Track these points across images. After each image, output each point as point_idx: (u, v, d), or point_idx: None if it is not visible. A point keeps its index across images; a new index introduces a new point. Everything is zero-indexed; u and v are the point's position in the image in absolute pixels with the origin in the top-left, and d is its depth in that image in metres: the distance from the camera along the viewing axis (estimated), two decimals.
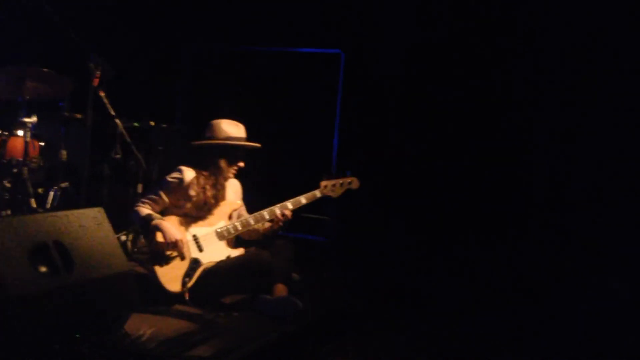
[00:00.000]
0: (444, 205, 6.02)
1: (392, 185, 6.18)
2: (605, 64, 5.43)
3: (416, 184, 6.11)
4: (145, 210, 4.00)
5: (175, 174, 4.08)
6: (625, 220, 5.37)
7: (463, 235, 5.88)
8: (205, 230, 4.10)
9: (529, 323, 4.40)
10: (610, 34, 5.40)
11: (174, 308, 3.77)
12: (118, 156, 5.04)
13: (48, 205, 5.07)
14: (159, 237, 3.89)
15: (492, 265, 5.52)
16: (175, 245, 3.87)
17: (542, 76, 5.73)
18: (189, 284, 3.89)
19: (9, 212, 4.66)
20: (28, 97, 4.70)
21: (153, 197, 4.05)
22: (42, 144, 4.99)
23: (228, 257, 4.08)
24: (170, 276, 3.88)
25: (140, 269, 4.39)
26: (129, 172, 5.20)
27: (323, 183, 4.34)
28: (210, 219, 4.15)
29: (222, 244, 4.13)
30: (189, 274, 3.92)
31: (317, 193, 4.33)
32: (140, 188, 5.10)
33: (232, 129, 4.14)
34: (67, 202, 5.14)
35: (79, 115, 5.11)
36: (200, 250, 4.02)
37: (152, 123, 5.47)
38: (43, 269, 2.82)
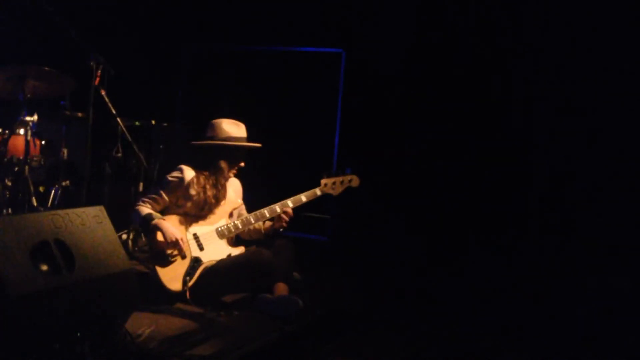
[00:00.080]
0: (444, 204, 6.02)
1: (392, 185, 6.18)
2: (606, 63, 5.43)
3: (416, 183, 6.11)
4: (145, 209, 4.01)
5: (176, 173, 4.09)
6: (625, 220, 5.37)
7: (463, 234, 5.88)
8: (206, 229, 4.11)
9: (529, 323, 4.40)
10: (610, 33, 5.40)
11: (174, 307, 3.78)
12: (119, 155, 5.05)
13: (49, 204, 5.08)
14: (159, 237, 3.90)
15: (492, 265, 5.53)
16: (175, 244, 3.88)
17: (542, 76, 5.72)
18: (190, 283, 3.90)
19: (10, 210, 4.66)
20: (29, 96, 4.69)
21: (154, 196, 4.07)
22: (43, 142, 4.98)
23: (229, 256, 4.09)
24: (171, 275, 3.89)
25: (141, 268, 4.40)
26: (130, 171, 5.20)
27: (323, 181, 4.35)
28: (211, 217, 4.16)
29: (223, 243, 4.14)
30: (189, 272, 3.92)
31: (318, 191, 4.33)
32: (141, 187, 5.11)
33: (232, 129, 4.14)
34: (68, 200, 5.14)
35: (80, 114, 5.10)
36: (201, 249, 4.02)
37: (153, 122, 5.47)
38: (44, 267, 2.82)
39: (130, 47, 6.34)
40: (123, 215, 4.04)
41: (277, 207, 4.20)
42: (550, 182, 5.74)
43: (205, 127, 4.21)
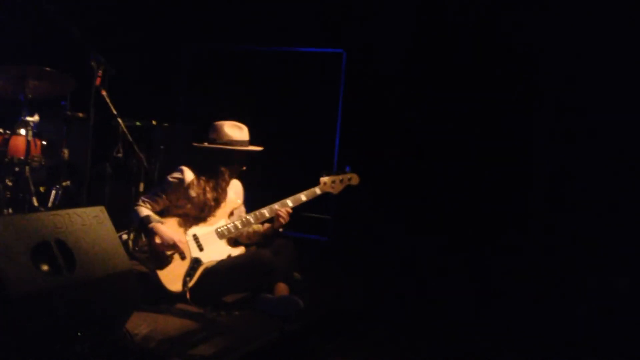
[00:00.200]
0: (444, 204, 6.02)
1: (392, 185, 6.18)
2: (606, 63, 5.43)
3: (417, 183, 6.11)
4: (144, 211, 4.00)
5: (177, 174, 4.10)
6: (625, 220, 5.37)
7: (463, 234, 5.88)
8: (206, 229, 4.11)
9: (529, 323, 4.41)
10: (610, 33, 5.40)
11: (175, 307, 3.79)
12: (120, 155, 5.04)
13: (50, 204, 5.08)
14: (156, 240, 3.91)
15: (492, 264, 5.53)
16: (172, 247, 3.88)
17: (543, 75, 5.72)
18: (190, 284, 3.90)
19: (10, 210, 4.66)
20: (30, 96, 4.70)
21: (154, 196, 4.08)
22: (44, 142, 4.98)
23: (229, 256, 4.09)
24: (171, 276, 3.89)
25: (142, 268, 4.40)
26: (131, 171, 5.20)
27: (323, 180, 4.34)
28: (211, 218, 4.16)
29: (223, 243, 4.14)
30: (189, 273, 3.92)
31: (317, 190, 4.33)
32: (141, 187, 5.11)
33: (234, 132, 4.13)
34: (68, 200, 5.15)
35: (81, 114, 5.11)
36: (201, 249, 4.02)
37: (154, 122, 5.47)
38: (45, 267, 2.82)
39: (131, 47, 6.34)
40: (123, 216, 4.04)
41: (277, 207, 4.20)
42: (550, 182, 5.74)
43: (208, 128, 4.21)
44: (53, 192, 5.15)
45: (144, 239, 4.85)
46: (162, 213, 4.11)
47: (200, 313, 3.73)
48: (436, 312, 4.50)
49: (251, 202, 4.39)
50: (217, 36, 6.90)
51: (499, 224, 5.79)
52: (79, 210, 3.14)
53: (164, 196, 4.06)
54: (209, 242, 4.08)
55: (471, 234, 5.85)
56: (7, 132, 4.73)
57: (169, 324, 3.51)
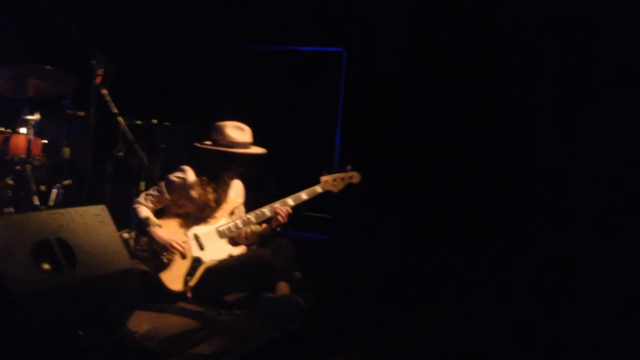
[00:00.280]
0: (445, 204, 6.02)
1: (393, 184, 6.18)
2: (606, 62, 5.43)
3: (418, 182, 6.11)
4: (143, 211, 3.98)
5: (179, 174, 4.08)
6: (625, 219, 5.38)
7: (464, 234, 5.88)
8: (206, 228, 4.11)
9: (529, 323, 4.41)
10: (611, 32, 5.40)
11: (176, 306, 3.79)
12: (121, 154, 5.04)
13: (51, 203, 5.08)
14: (156, 245, 3.90)
15: (492, 264, 5.53)
16: (172, 251, 3.87)
17: (544, 75, 5.72)
18: (191, 283, 3.90)
19: (12, 209, 4.66)
20: (31, 95, 4.70)
21: (155, 194, 4.06)
22: (45, 141, 4.99)
23: (230, 256, 4.09)
24: (172, 275, 3.89)
25: (143, 267, 4.39)
26: (132, 170, 5.20)
27: (324, 178, 4.34)
28: (212, 217, 4.16)
29: (224, 242, 4.14)
30: (190, 272, 3.93)
31: (318, 188, 4.32)
32: (142, 186, 5.11)
33: (236, 134, 4.10)
34: (69, 199, 5.14)
35: (81, 113, 5.11)
36: (202, 248, 4.02)
37: (155, 121, 5.48)
38: (46, 266, 2.82)
39: (132, 45, 6.35)
40: (125, 214, 4.03)
41: (278, 206, 4.20)
42: (550, 182, 5.75)
43: (209, 128, 4.20)
44: (54, 191, 5.15)
45: (145, 238, 4.86)
46: (162, 212, 4.11)
47: (201, 312, 3.73)
48: (436, 312, 4.50)
49: (252, 201, 4.39)
50: (217, 35, 6.90)
51: (499, 224, 5.79)
52: (80, 209, 3.14)
53: (165, 195, 4.06)
54: (210, 242, 4.08)
55: (471, 234, 5.85)
56: (8, 130, 4.74)
57: (170, 322, 3.51)
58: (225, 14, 6.77)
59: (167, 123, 5.60)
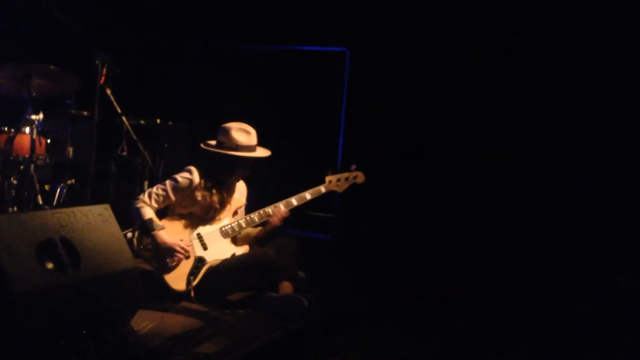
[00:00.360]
0: (447, 204, 6.02)
1: (396, 184, 6.18)
2: (607, 62, 5.43)
3: (420, 182, 6.11)
4: (147, 212, 3.95)
5: (185, 174, 4.05)
6: (625, 219, 5.37)
7: (465, 234, 5.88)
8: (210, 228, 4.11)
9: (529, 323, 4.40)
10: (611, 32, 5.40)
11: (179, 305, 3.79)
12: (124, 153, 5.05)
13: (54, 202, 5.09)
14: (160, 248, 3.89)
15: (493, 264, 5.52)
16: (175, 253, 3.87)
17: (545, 75, 5.72)
18: (194, 283, 3.90)
19: (15, 209, 4.67)
20: (35, 94, 4.70)
21: (160, 193, 4.02)
22: (49, 141, 4.99)
23: (233, 255, 4.09)
24: (176, 275, 3.89)
25: (146, 266, 4.41)
26: (135, 170, 5.21)
27: (328, 178, 4.34)
28: (215, 218, 4.15)
29: (227, 242, 4.14)
30: (194, 272, 3.92)
31: (322, 188, 4.32)
32: (146, 185, 5.13)
33: (241, 137, 4.07)
34: (73, 199, 5.15)
35: (85, 113, 5.11)
36: (205, 248, 4.02)
37: (158, 120, 5.48)
38: (49, 265, 2.83)
39: (135, 45, 6.35)
40: (128, 214, 4.03)
41: (282, 205, 4.20)
42: (550, 182, 5.74)
43: (213, 128, 4.19)
44: (58, 190, 5.16)
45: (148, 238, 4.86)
46: (165, 211, 4.11)
47: (204, 311, 3.73)
48: (437, 312, 4.49)
49: (255, 201, 4.39)
50: (221, 35, 6.91)
51: (500, 224, 5.79)
52: (84, 209, 3.15)
53: (170, 194, 4.02)
54: (213, 241, 4.07)
55: (472, 234, 5.85)
56: (12, 130, 4.74)
57: (173, 322, 3.51)
58: (228, 13, 6.78)
59: (171, 123, 5.59)
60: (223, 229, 4.13)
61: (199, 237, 4.04)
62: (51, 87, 4.82)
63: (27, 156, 4.69)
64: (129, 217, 4.05)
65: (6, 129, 4.75)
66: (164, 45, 6.80)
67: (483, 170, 5.89)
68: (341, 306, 4.31)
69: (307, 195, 4.27)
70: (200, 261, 3.97)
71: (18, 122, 4.75)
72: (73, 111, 5.16)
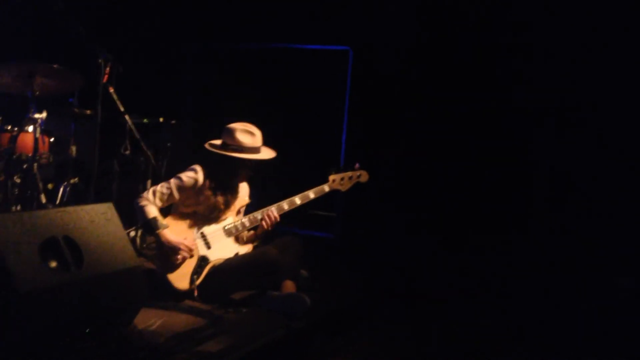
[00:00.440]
0: (449, 203, 6.01)
1: (399, 183, 6.17)
2: (607, 62, 5.42)
3: (423, 181, 6.10)
4: (151, 211, 3.93)
5: (191, 174, 4.04)
6: (626, 220, 5.37)
7: (467, 234, 5.88)
8: (213, 227, 4.11)
9: (529, 323, 4.40)
10: (612, 32, 5.39)
11: (182, 304, 3.79)
12: (127, 152, 5.05)
13: (58, 201, 5.09)
14: (165, 248, 3.89)
15: (494, 264, 5.52)
16: (179, 252, 3.87)
17: (547, 75, 5.71)
18: (197, 281, 3.90)
19: (19, 207, 4.68)
20: (38, 93, 4.71)
21: (165, 192, 3.99)
22: (52, 139, 4.99)
23: (236, 254, 4.09)
24: (179, 273, 3.89)
25: (149, 265, 4.41)
26: (138, 168, 5.22)
27: (331, 177, 4.33)
28: (219, 217, 4.15)
29: (230, 241, 4.14)
30: (197, 271, 3.93)
31: (326, 187, 4.32)
32: (149, 184, 5.12)
33: (246, 139, 4.06)
34: (76, 197, 5.16)
35: (88, 111, 5.12)
36: (208, 247, 4.02)
37: (161, 119, 5.48)
38: (53, 264, 2.83)
39: (138, 44, 6.35)
40: (131, 213, 4.03)
41: (285, 205, 4.20)
42: (551, 182, 5.74)
43: (216, 126, 4.18)
44: (61, 189, 5.16)
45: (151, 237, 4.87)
46: (170, 209, 4.11)
47: (208, 310, 3.73)
48: (438, 311, 4.49)
49: (259, 201, 4.38)
50: (223, 34, 6.90)
51: (501, 224, 5.79)
52: (87, 207, 3.15)
53: (174, 193, 4.00)
54: (217, 240, 4.07)
55: (474, 234, 5.84)
56: (15, 129, 4.74)
57: (176, 320, 3.51)
58: (230, 12, 6.78)
59: (174, 121, 5.60)
60: (226, 227, 4.13)
61: (203, 236, 4.04)
62: (54, 85, 4.82)
63: (30, 155, 4.69)
64: (132, 215, 4.05)
65: (9, 127, 4.76)
66: (167, 44, 6.80)
67: (484, 170, 5.89)
68: (344, 305, 4.31)
69: (311, 194, 4.27)
70: (203, 260, 3.97)
71: (21, 121, 4.76)
72: (76, 110, 5.17)
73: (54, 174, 5.30)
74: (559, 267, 5.40)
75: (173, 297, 3.82)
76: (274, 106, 6.58)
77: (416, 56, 6.13)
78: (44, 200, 4.82)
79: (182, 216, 4.06)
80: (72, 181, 5.19)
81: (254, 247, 4.24)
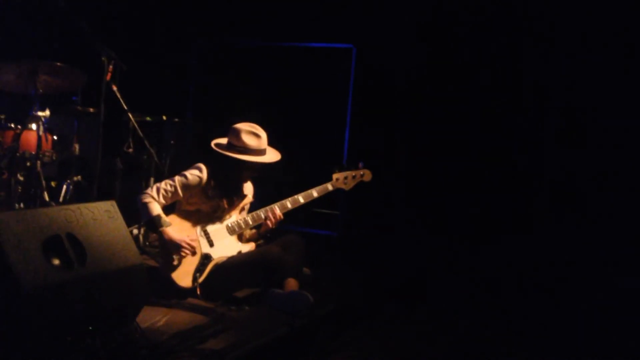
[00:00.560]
0: (452, 202, 6.01)
1: (402, 181, 6.17)
2: (608, 62, 5.42)
3: (426, 180, 6.10)
4: (155, 209, 3.93)
5: (196, 172, 4.03)
6: (627, 220, 5.36)
7: (468, 233, 5.88)
8: (216, 225, 4.11)
9: (530, 323, 4.39)
10: (612, 32, 5.39)
11: (185, 301, 3.79)
12: (130, 150, 5.06)
13: (61, 199, 5.10)
14: (167, 245, 3.89)
15: (495, 264, 5.51)
16: (182, 250, 3.87)
17: (548, 74, 5.71)
18: (200, 279, 3.90)
19: (22, 205, 4.69)
20: (41, 91, 4.72)
21: (169, 189, 3.99)
22: (55, 137, 5.00)
23: (239, 252, 4.09)
24: (182, 271, 3.89)
25: (152, 263, 4.42)
26: (141, 166, 5.22)
27: (335, 175, 4.33)
28: (223, 216, 4.15)
29: (233, 239, 4.14)
30: (200, 269, 3.93)
31: (329, 186, 4.32)
32: (152, 182, 5.13)
33: (251, 141, 4.04)
34: (79, 195, 5.17)
35: (91, 109, 5.13)
36: (211, 245, 4.02)
37: (164, 117, 5.48)
38: (56, 261, 2.83)
39: (141, 42, 6.36)
40: (134, 210, 4.03)
41: (288, 203, 4.20)
42: (554, 183, 5.73)
43: (221, 126, 4.17)
44: (64, 186, 5.17)
45: (154, 234, 4.87)
46: (173, 206, 4.11)
47: (210, 308, 3.73)
48: (438, 311, 4.49)
49: (262, 199, 4.38)
50: (226, 32, 6.90)
51: (502, 224, 5.78)
52: (90, 205, 3.15)
53: (179, 191, 3.99)
54: (220, 238, 4.08)
55: (476, 233, 5.84)
56: (19, 127, 4.75)
57: (179, 318, 3.51)
58: (234, 10, 6.78)
59: (177, 119, 5.60)
60: (229, 225, 4.13)
61: (206, 234, 4.04)
62: (58, 83, 4.83)
63: (33, 153, 4.70)
64: (135, 213, 4.05)
65: (13, 125, 4.77)
66: (170, 42, 6.80)
67: (487, 170, 5.88)
68: (346, 303, 4.31)
69: (314, 193, 4.27)
70: (206, 258, 3.97)
71: (25, 119, 4.77)
72: (79, 108, 5.17)
73: (57, 171, 5.31)
74: (559, 267, 5.40)
75: (176, 295, 3.82)
76: (276, 104, 6.58)
77: (419, 54, 6.12)
78: (47, 198, 4.83)
79: (185, 214, 4.06)
80: (75, 179, 5.20)
81: (257, 245, 4.23)
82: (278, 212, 4.13)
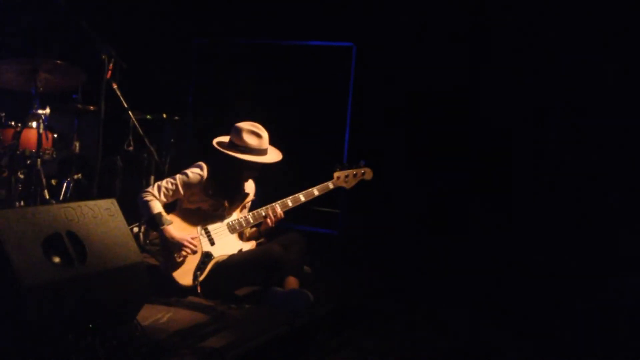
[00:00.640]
0: (453, 201, 6.01)
1: (402, 179, 6.16)
2: (608, 62, 5.41)
3: (427, 178, 6.10)
4: (156, 207, 3.93)
5: (197, 170, 4.03)
6: (629, 220, 5.36)
7: (471, 233, 5.87)
8: (217, 223, 4.10)
9: (529, 323, 4.39)
10: (612, 32, 5.38)
11: (186, 300, 3.80)
12: (130, 148, 5.06)
13: (61, 197, 5.10)
14: (168, 244, 3.89)
15: (495, 264, 5.51)
16: (183, 249, 3.87)
17: (550, 74, 5.71)
18: (201, 278, 3.90)
19: (22, 203, 4.69)
20: (41, 89, 4.71)
21: (170, 188, 3.99)
22: (55, 135, 5.00)
23: (240, 251, 4.09)
24: (182, 270, 3.89)
25: (152, 261, 4.42)
26: (142, 164, 5.22)
27: (336, 174, 4.33)
28: (223, 214, 4.15)
29: (234, 237, 4.14)
30: (200, 267, 3.93)
31: (330, 184, 4.32)
32: (152, 180, 5.13)
33: (253, 141, 4.04)
34: (79, 193, 5.16)
35: (92, 107, 5.13)
36: (212, 243, 4.02)
37: (165, 115, 5.48)
38: (56, 259, 2.83)
39: (141, 40, 6.35)
40: (134, 208, 4.03)
41: (289, 201, 4.20)
42: (555, 183, 5.73)
43: (222, 125, 4.17)
44: (64, 185, 5.17)
45: (154, 232, 4.87)
46: (174, 204, 4.11)
47: (211, 306, 3.73)
48: (439, 311, 4.48)
49: (263, 197, 4.38)
50: (227, 30, 6.90)
51: (502, 224, 5.78)
52: (91, 203, 3.15)
53: (179, 189, 4.00)
54: (220, 236, 4.07)
55: (477, 233, 5.84)
56: (19, 125, 4.75)
57: (180, 316, 3.52)
58: (234, 8, 6.77)
59: (177, 117, 5.60)
60: (230, 224, 4.13)
61: (207, 232, 4.04)
62: (58, 82, 4.82)
63: (34, 151, 4.70)
64: (135, 211, 4.05)
65: (13, 123, 4.77)
66: (171, 40, 6.80)
67: (488, 168, 5.88)
68: (347, 302, 4.31)
69: (315, 191, 4.26)
70: (207, 256, 3.97)
71: (25, 117, 4.76)
72: (79, 106, 5.17)
73: (58, 169, 5.30)
74: (560, 267, 5.40)
75: (176, 293, 3.82)
76: (276, 102, 6.57)
77: (420, 51, 6.11)
78: (47, 196, 4.83)
79: (186, 212, 4.06)
80: (75, 177, 5.20)
81: (258, 244, 4.23)
82: (279, 210, 4.13)
